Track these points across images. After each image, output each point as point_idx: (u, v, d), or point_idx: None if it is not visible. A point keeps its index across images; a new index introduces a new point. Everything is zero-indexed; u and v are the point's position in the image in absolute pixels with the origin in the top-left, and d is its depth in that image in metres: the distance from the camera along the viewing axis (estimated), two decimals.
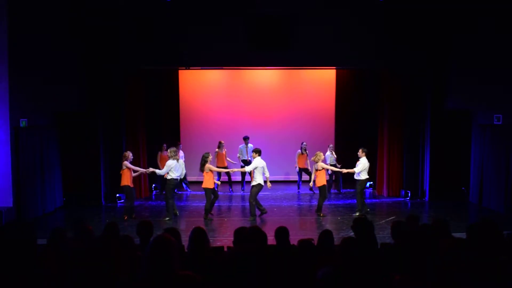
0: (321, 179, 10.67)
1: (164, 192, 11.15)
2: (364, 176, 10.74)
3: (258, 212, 10.46)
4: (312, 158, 10.90)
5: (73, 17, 11.40)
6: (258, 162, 10.37)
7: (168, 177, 10.45)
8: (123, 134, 12.60)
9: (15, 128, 9.94)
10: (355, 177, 10.83)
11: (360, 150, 10.84)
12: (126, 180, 10.46)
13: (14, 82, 9.79)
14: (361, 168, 10.70)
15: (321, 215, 10.60)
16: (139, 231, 5.26)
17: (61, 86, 11.32)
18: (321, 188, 10.68)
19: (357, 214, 10.52)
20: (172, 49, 11.86)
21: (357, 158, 10.93)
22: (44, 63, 10.72)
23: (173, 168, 10.39)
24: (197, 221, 10.17)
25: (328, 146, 13.70)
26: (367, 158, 10.88)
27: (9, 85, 9.67)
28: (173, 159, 10.41)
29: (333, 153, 13.54)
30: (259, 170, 10.36)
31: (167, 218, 10.28)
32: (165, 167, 10.56)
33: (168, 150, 10.85)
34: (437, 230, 4.90)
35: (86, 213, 10.83)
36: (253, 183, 10.36)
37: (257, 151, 10.58)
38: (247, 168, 10.77)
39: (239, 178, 14.11)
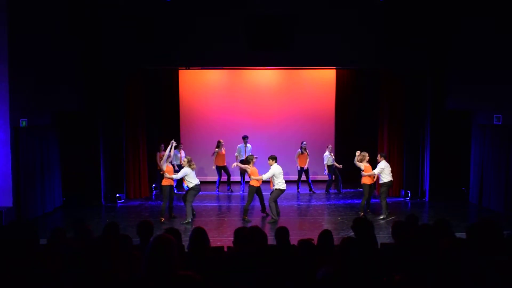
0: (365, 178, 10.79)
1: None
2: (386, 178, 10.70)
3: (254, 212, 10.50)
4: (358, 159, 10.86)
5: (73, 17, 11.40)
6: (275, 169, 10.31)
7: (190, 185, 10.23)
8: (123, 134, 12.60)
9: (15, 128, 9.94)
10: (380, 181, 10.82)
11: (378, 155, 10.90)
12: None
13: (14, 82, 9.79)
14: (379, 170, 10.69)
15: (361, 214, 10.64)
16: (139, 231, 5.26)
17: (61, 86, 11.32)
18: (364, 186, 10.84)
19: (383, 217, 10.50)
20: (172, 49, 11.86)
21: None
22: (44, 63, 10.72)
23: (190, 175, 10.24)
24: (197, 221, 10.18)
25: (327, 146, 13.73)
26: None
27: (9, 85, 9.66)
28: (188, 167, 10.25)
29: (332, 154, 13.57)
30: (278, 176, 10.31)
31: (185, 221, 10.09)
32: (180, 173, 10.36)
33: (184, 160, 10.63)
34: (438, 230, 4.90)
35: (86, 213, 10.81)
36: (273, 188, 10.36)
37: (274, 158, 10.48)
38: (264, 176, 10.36)
39: (238, 178, 14.11)
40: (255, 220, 10.46)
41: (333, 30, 11.88)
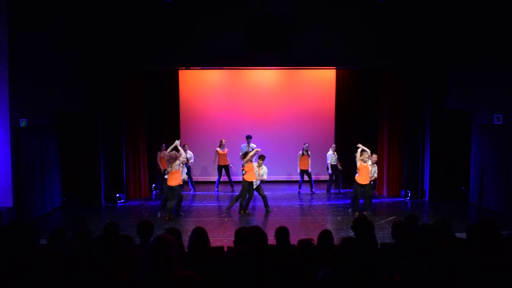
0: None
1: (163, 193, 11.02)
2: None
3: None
4: (360, 158, 10.85)
5: (73, 17, 11.41)
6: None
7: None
8: (123, 134, 12.60)
9: (15, 128, 9.94)
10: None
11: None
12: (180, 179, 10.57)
13: (14, 82, 9.79)
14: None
15: (364, 213, 10.70)
16: (139, 231, 5.26)
17: (61, 86, 11.32)
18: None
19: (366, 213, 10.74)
20: (172, 49, 11.86)
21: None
22: (44, 63, 10.72)
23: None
24: (197, 221, 10.18)
25: (331, 146, 13.75)
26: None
27: (9, 85, 9.66)
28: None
29: (335, 153, 13.55)
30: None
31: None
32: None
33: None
34: (438, 230, 4.90)
35: (86, 213, 10.80)
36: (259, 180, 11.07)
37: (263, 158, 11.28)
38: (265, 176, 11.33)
39: (240, 178, 14.06)
40: (255, 220, 10.46)
41: (333, 30, 11.88)
